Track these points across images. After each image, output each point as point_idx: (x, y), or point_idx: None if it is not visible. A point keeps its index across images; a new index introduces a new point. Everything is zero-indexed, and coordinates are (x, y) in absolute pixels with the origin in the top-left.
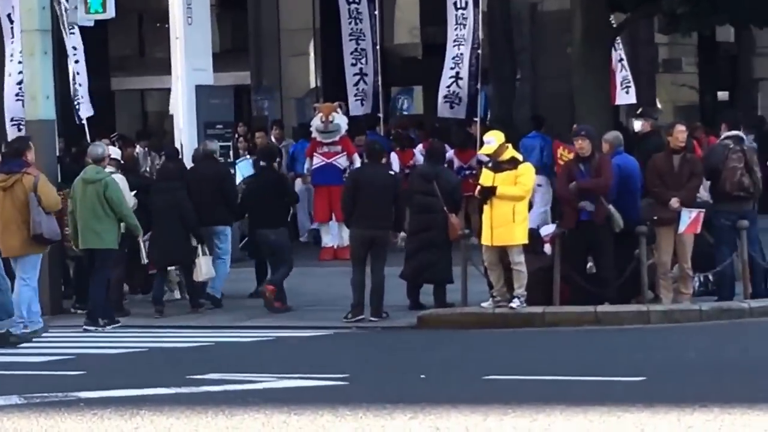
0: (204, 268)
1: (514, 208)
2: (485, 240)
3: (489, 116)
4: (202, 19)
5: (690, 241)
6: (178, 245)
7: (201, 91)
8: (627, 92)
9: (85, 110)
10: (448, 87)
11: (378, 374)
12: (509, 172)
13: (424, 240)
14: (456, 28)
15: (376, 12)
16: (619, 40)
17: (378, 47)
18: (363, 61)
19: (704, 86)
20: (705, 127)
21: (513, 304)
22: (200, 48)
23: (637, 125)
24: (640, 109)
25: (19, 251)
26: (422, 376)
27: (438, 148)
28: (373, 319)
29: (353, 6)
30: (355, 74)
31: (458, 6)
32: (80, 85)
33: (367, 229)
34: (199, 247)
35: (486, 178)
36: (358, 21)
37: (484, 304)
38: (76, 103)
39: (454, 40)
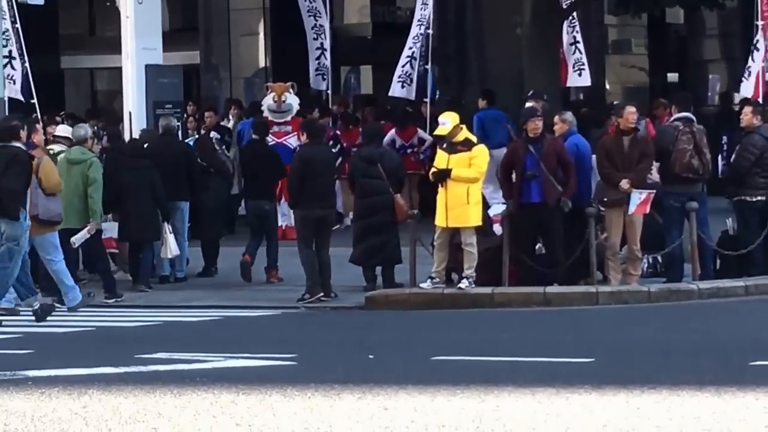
0: (172, 245)
1: (469, 189)
2: (440, 222)
3: (438, 97)
4: None
5: (639, 222)
6: (152, 222)
7: (150, 70)
8: (580, 75)
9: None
10: (403, 66)
11: (326, 354)
12: (463, 153)
13: (371, 223)
14: (422, 8)
15: None
16: (576, 22)
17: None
18: (323, 36)
19: (654, 67)
20: (668, 105)
21: (462, 285)
22: (150, 27)
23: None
24: (531, 91)
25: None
26: (370, 356)
27: (376, 129)
28: (323, 298)
29: None
30: (317, 48)
31: None
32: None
33: (315, 209)
34: (166, 225)
35: (440, 159)
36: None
37: (422, 285)
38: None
39: (419, 20)
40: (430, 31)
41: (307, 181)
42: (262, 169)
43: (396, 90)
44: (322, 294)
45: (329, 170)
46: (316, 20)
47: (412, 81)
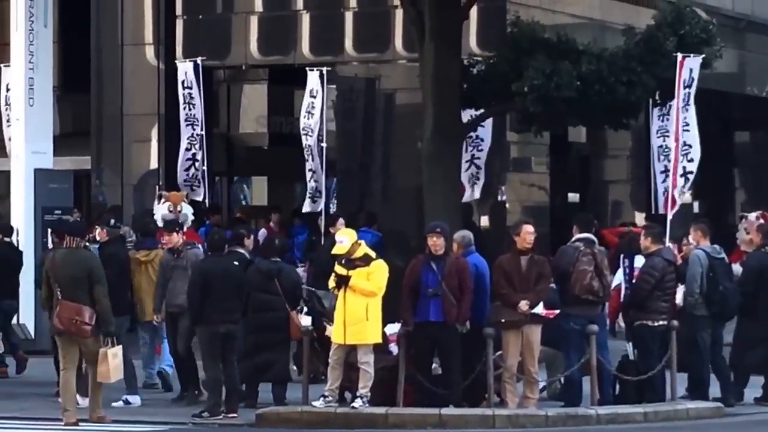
0: None
1: (368, 305)
2: (337, 338)
3: (336, 209)
4: (44, 101)
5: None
6: None
7: (40, 174)
8: (473, 188)
9: None
10: (309, 182)
11: None
12: (362, 269)
13: (263, 339)
14: (306, 117)
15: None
16: (479, 141)
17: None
18: (196, 146)
19: (555, 187)
20: None
21: (356, 404)
22: (41, 130)
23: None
24: (100, 216)
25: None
26: None
27: (275, 244)
28: (231, 415)
29: (186, 91)
30: (188, 159)
31: (311, 94)
32: None
33: (220, 324)
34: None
35: (339, 272)
36: (191, 107)
37: (315, 403)
38: None
39: (303, 130)
40: (324, 144)
41: (208, 295)
42: None
43: (308, 205)
44: (221, 416)
45: (231, 283)
46: (194, 129)
47: (320, 194)
